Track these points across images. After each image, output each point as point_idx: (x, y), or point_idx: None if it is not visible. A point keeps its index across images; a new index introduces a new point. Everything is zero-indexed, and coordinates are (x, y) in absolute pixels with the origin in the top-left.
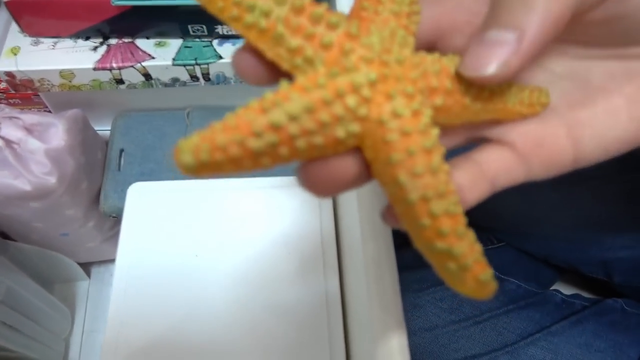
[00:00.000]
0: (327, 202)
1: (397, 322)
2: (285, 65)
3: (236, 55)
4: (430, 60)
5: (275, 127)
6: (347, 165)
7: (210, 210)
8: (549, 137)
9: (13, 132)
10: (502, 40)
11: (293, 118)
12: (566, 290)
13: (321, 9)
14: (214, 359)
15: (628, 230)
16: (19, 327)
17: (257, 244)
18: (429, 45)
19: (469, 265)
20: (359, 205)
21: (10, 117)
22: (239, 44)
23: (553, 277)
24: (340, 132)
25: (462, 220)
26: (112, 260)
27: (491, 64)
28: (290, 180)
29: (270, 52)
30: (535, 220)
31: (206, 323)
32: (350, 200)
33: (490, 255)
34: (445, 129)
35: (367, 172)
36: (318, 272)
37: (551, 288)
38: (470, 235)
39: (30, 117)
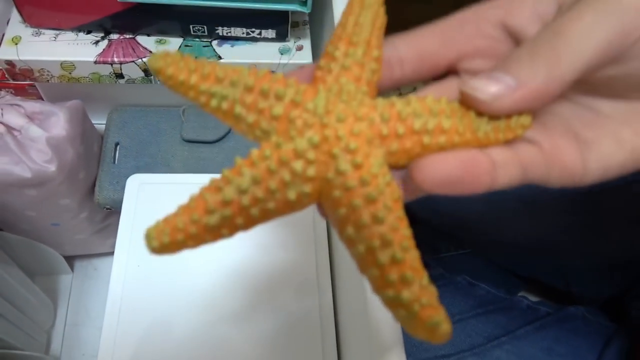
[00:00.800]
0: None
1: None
2: (251, 137)
3: None
4: (382, 106)
5: (227, 202)
6: None
7: None
8: (567, 148)
9: (14, 119)
10: (502, 81)
11: (243, 191)
12: (532, 297)
13: (267, 84)
14: (213, 350)
15: (584, 243)
16: (3, 314)
17: (254, 237)
18: (449, 68)
19: (417, 312)
20: None
21: (12, 104)
22: (238, 45)
23: (520, 284)
24: (291, 194)
25: (411, 263)
26: (97, 255)
27: (487, 92)
28: None
29: (237, 128)
30: (499, 229)
31: (204, 314)
32: None
33: (462, 261)
34: None
35: None
36: (311, 281)
37: (519, 294)
38: (421, 277)
39: (32, 105)
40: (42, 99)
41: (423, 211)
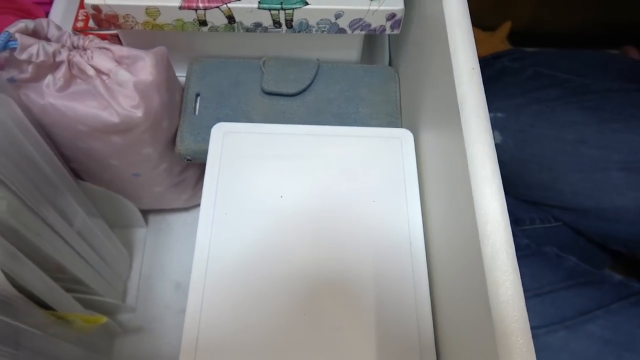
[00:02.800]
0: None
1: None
2: None
3: None
4: None
5: None
6: None
7: (295, 154)
8: None
9: (104, 63)
10: None
11: None
12: (618, 275)
13: None
14: (300, 301)
15: None
16: (90, 262)
17: (341, 188)
18: None
19: None
20: None
21: (101, 48)
22: None
23: (606, 261)
24: None
25: None
26: (170, 211)
27: None
28: (380, 131)
29: None
30: (596, 200)
31: (292, 265)
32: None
33: (549, 234)
34: None
35: None
36: (402, 221)
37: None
38: None
39: (120, 49)
40: None
41: (509, 184)
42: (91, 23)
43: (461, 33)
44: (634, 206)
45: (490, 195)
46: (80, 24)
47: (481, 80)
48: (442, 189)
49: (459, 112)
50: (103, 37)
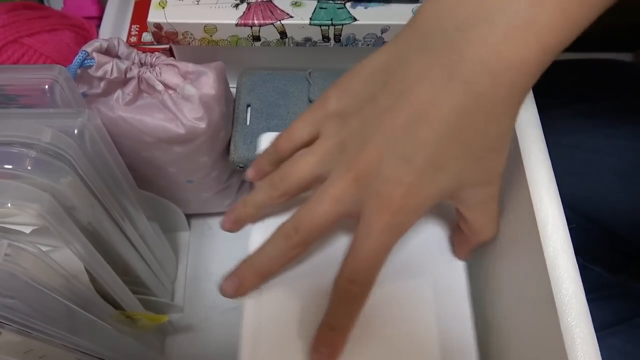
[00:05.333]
0: None
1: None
2: None
3: None
4: None
5: None
6: None
7: None
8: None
9: (171, 78)
10: None
11: None
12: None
13: None
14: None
15: None
16: (149, 263)
17: None
18: None
19: None
20: None
21: (168, 64)
22: (372, 6)
23: (624, 266)
24: None
25: None
26: (211, 214)
27: None
28: None
29: None
30: (593, 204)
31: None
32: None
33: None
34: None
35: None
36: None
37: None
38: None
39: (185, 65)
40: None
41: None
42: (144, 38)
43: None
44: (631, 209)
45: (549, 200)
46: (133, 39)
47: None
48: None
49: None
50: (155, 50)
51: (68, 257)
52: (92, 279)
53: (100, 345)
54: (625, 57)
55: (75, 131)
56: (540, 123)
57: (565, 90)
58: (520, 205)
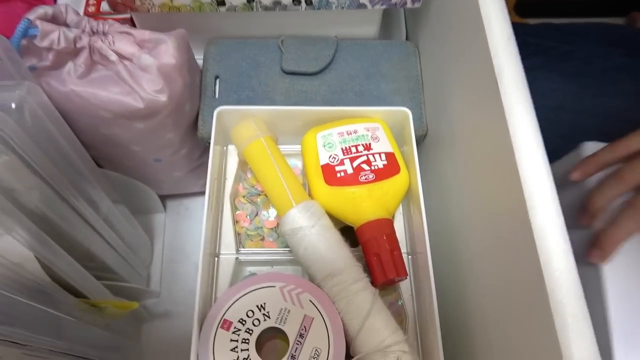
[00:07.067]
0: None
1: None
2: None
3: None
4: None
5: None
6: None
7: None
8: None
9: (126, 47)
10: None
11: None
12: None
13: None
14: None
15: None
16: (116, 248)
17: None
18: None
19: None
20: None
21: (122, 32)
22: None
23: None
24: None
25: None
26: (187, 195)
27: None
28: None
29: None
30: None
31: None
32: None
33: None
34: None
35: None
36: None
37: None
38: None
39: (141, 33)
40: None
41: None
42: (103, 7)
43: (494, 3)
44: None
45: (537, 164)
46: (91, 9)
47: (517, 49)
48: (477, 161)
49: (497, 83)
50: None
51: (10, 244)
52: (46, 266)
53: (59, 337)
54: (616, 22)
55: (13, 105)
56: (526, 84)
57: (552, 50)
58: (508, 172)
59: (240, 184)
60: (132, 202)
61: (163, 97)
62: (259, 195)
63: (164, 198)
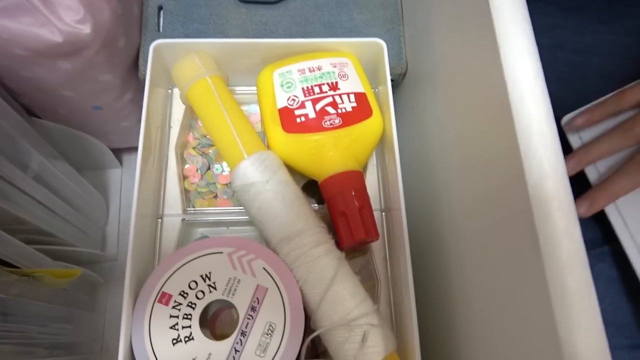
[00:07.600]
0: None
1: None
2: None
3: None
4: None
5: None
6: None
7: None
8: None
9: None
10: None
11: None
12: None
13: None
14: None
15: None
16: (55, 210)
17: None
18: None
19: None
20: None
21: None
22: None
23: None
24: None
25: None
26: None
27: None
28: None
29: None
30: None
31: None
32: None
33: None
34: None
35: None
36: None
37: None
38: None
39: None
40: None
41: None
42: None
43: None
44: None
45: (539, 95)
46: None
47: None
48: (463, 101)
49: (488, 5)
50: None
51: None
52: None
53: (6, 320)
54: None
55: None
56: (529, 17)
57: None
58: (501, 105)
59: (190, 134)
60: (79, 156)
61: (86, 29)
62: (212, 146)
63: (119, 152)
